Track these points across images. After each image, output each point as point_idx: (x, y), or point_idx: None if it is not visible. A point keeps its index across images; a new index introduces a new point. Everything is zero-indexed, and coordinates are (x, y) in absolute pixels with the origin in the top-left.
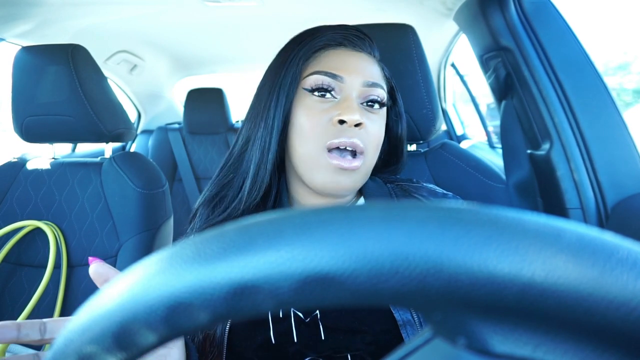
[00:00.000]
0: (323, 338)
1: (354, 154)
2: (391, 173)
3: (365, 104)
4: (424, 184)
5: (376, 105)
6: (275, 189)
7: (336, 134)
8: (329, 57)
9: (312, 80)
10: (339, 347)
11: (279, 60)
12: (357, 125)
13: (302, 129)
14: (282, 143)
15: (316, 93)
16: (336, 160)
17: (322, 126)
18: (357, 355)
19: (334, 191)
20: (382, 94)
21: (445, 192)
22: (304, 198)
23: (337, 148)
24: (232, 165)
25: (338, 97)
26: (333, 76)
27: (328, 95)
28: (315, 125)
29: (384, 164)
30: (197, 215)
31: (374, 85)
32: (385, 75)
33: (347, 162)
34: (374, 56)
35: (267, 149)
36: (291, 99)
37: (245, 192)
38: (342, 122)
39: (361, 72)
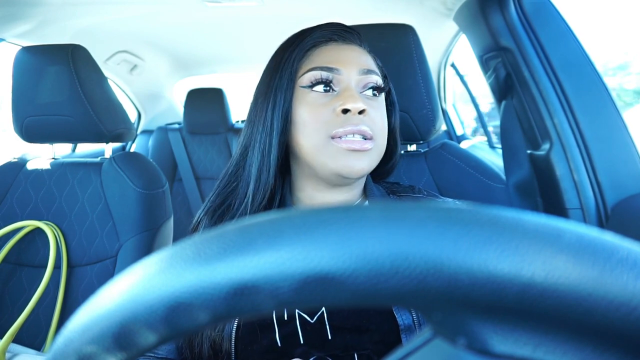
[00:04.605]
0: (330, 338)
1: (364, 139)
2: (387, 172)
3: (364, 92)
4: (425, 194)
5: (375, 92)
6: (279, 193)
7: (341, 124)
8: (321, 53)
9: (309, 77)
10: (346, 346)
11: (272, 64)
12: (361, 112)
13: (305, 123)
14: (284, 144)
15: (316, 88)
16: (346, 143)
17: (325, 118)
18: (365, 355)
19: (349, 174)
20: (378, 80)
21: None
22: (310, 197)
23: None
24: (234, 173)
25: (337, 89)
26: (329, 69)
27: (327, 88)
28: (319, 118)
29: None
30: (200, 226)
31: (369, 72)
32: (377, 64)
33: (359, 144)
34: (364, 48)
35: (268, 151)
36: (289, 99)
37: (250, 198)
38: (345, 111)
39: (355, 62)
